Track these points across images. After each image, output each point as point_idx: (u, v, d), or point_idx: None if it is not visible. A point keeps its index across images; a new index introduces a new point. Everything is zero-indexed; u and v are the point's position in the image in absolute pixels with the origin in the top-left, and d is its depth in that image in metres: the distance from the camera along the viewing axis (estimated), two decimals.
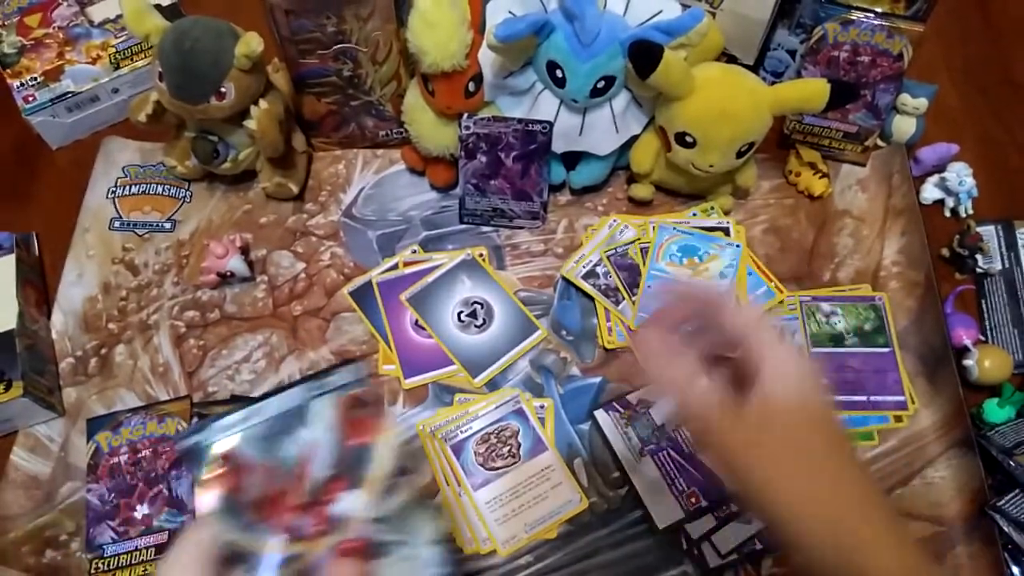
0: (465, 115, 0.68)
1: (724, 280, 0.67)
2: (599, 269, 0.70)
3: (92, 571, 0.58)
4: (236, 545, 0.32)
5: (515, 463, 0.61)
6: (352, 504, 0.32)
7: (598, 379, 0.65)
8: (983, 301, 0.69)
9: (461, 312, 0.68)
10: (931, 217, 0.73)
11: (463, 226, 0.73)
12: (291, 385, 0.35)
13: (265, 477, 0.32)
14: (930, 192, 0.74)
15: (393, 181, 0.76)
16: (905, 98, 0.72)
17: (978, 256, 0.68)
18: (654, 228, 0.71)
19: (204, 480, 0.32)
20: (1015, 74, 0.83)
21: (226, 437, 0.33)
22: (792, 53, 0.75)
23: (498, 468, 0.60)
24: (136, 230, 0.74)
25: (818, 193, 0.73)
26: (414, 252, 0.72)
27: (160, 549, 0.59)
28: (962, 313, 0.68)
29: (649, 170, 0.71)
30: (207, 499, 0.32)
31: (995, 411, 0.61)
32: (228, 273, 0.68)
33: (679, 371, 0.38)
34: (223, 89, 0.65)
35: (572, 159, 0.73)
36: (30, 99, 0.76)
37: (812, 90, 0.62)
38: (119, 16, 0.81)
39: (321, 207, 0.75)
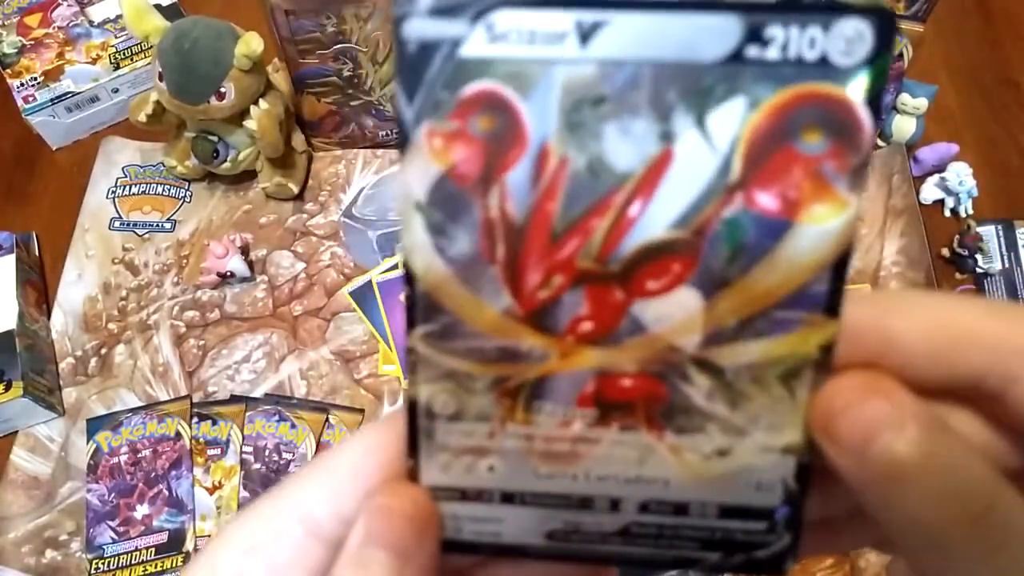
0: None
1: None
2: None
3: (92, 571, 0.58)
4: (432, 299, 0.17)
5: None
6: (678, 314, 0.16)
7: None
8: None
9: None
10: (931, 217, 0.73)
11: None
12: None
13: (545, 179, 0.16)
14: (930, 192, 0.74)
15: (393, 181, 0.76)
16: (905, 98, 0.72)
17: (978, 256, 0.68)
18: None
19: (429, 129, 0.16)
20: (1015, 74, 0.83)
21: (512, 58, 0.15)
22: None
23: None
24: (136, 230, 0.74)
25: None
26: None
27: (160, 549, 0.59)
28: None
29: None
30: (412, 173, 0.16)
31: None
32: (228, 273, 0.68)
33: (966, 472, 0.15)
34: (223, 89, 0.65)
35: None
36: (30, 99, 0.76)
37: None
38: (119, 16, 0.81)
39: (321, 207, 0.75)
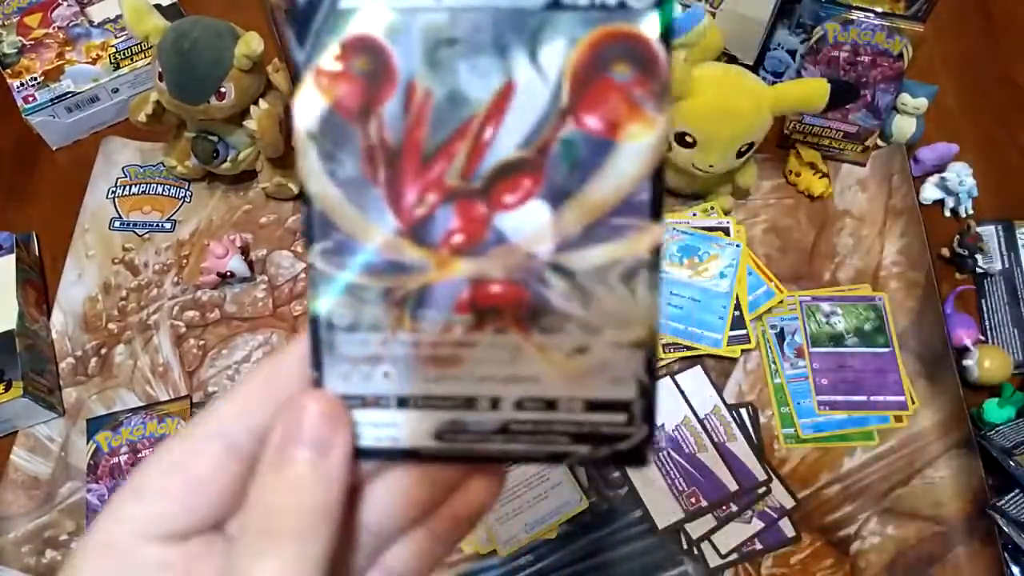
0: None
1: (723, 280, 0.67)
2: None
3: None
4: (326, 208, 0.19)
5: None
6: (532, 224, 0.19)
7: None
8: (983, 301, 0.69)
9: None
10: (931, 217, 0.73)
11: None
12: None
13: (413, 110, 0.18)
14: (930, 192, 0.74)
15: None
16: (905, 98, 0.72)
17: (978, 256, 0.68)
18: None
19: (316, 70, 0.18)
20: (1015, 74, 0.83)
21: (381, 9, 0.18)
22: (792, 53, 0.75)
23: None
24: (136, 230, 0.74)
25: (818, 193, 0.73)
26: None
27: None
28: (962, 313, 0.68)
29: None
30: (303, 107, 0.18)
31: (995, 411, 0.61)
32: (228, 273, 0.68)
33: None
34: (223, 89, 0.65)
35: None
36: (30, 99, 0.76)
37: (812, 90, 0.62)
38: (119, 16, 0.80)
39: None
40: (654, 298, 0.19)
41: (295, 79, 0.18)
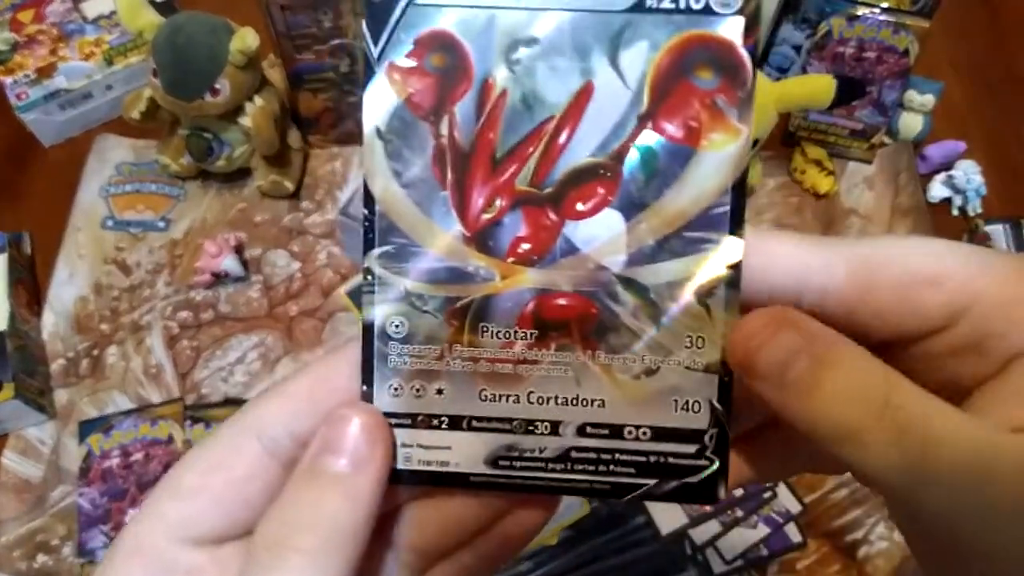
0: None
1: None
2: None
3: None
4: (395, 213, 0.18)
5: None
6: (604, 235, 0.18)
7: None
8: None
9: None
10: (938, 216, 0.72)
11: None
12: None
13: (487, 110, 0.18)
14: (937, 190, 0.73)
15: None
16: (912, 95, 0.71)
17: None
18: None
19: (390, 65, 0.18)
20: (1022, 71, 0.82)
21: (460, 6, 0.17)
22: (797, 48, 0.74)
23: None
24: (129, 229, 0.73)
25: (824, 191, 0.72)
26: None
27: None
28: None
29: None
30: (373, 103, 0.18)
31: None
32: (222, 273, 0.67)
33: (857, 376, 0.17)
34: (217, 86, 0.64)
35: None
36: (23, 96, 0.75)
37: (818, 86, 0.61)
38: (113, 12, 0.79)
39: (317, 205, 0.73)
40: (731, 318, 0.18)
41: (367, 76, 0.18)
